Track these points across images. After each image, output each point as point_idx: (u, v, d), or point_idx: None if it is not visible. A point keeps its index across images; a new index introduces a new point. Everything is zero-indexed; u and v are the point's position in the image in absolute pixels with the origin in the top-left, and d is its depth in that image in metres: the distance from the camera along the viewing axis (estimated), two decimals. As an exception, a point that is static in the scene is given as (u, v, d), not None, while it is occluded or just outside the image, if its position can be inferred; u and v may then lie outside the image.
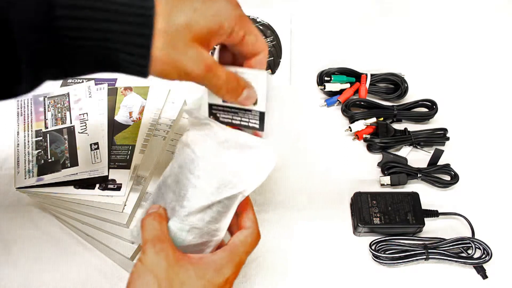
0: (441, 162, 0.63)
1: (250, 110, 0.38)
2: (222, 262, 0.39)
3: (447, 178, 0.62)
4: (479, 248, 0.55)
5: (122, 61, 0.32)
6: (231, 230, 0.44)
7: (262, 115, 0.38)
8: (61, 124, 0.61)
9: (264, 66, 0.38)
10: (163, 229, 0.40)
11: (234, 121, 0.40)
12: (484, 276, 0.55)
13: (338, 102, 0.70)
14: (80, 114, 0.62)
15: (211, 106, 0.40)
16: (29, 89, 0.34)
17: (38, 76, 0.33)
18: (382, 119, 0.67)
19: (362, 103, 0.68)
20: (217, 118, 0.40)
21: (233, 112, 0.39)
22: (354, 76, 0.71)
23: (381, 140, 0.64)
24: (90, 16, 0.30)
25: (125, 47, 0.32)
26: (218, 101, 0.39)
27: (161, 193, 0.43)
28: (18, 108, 0.63)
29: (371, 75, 0.70)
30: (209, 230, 0.41)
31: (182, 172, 0.40)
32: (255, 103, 0.38)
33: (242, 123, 0.40)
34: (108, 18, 0.30)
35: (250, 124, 0.39)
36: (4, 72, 0.31)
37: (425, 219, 0.57)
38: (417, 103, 0.68)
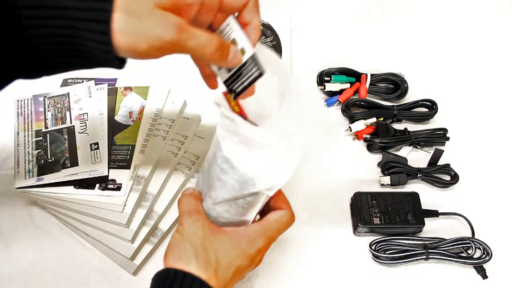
0: (441, 162, 0.63)
1: (244, 64, 0.36)
2: (256, 234, 0.41)
3: (447, 178, 0.62)
4: (479, 248, 0.55)
5: (84, 41, 0.31)
6: (263, 212, 0.45)
7: (255, 58, 0.36)
8: (61, 124, 0.61)
9: (259, 13, 0.36)
10: (198, 204, 0.43)
11: (244, 84, 0.38)
12: (484, 276, 0.55)
13: (338, 102, 0.70)
14: (80, 114, 0.62)
15: (225, 83, 0.39)
16: None
17: (4, 69, 0.32)
18: (382, 119, 0.67)
19: (362, 103, 0.68)
20: (234, 92, 0.39)
21: (238, 75, 0.37)
22: (354, 76, 0.71)
23: (381, 140, 0.64)
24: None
25: (86, 24, 0.30)
26: (225, 74, 0.38)
27: (201, 177, 0.44)
28: (18, 108, 0.63)
29: (371, 75, 0.70)
30: (235, 219, 0.42)
31: (212, 161, 0.41)
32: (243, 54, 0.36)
33: (251, 80, 0.37)
34: None
35: (254, 76, 0.37)
36: None
37: (425, 219, 0.57)
38: (417, 103, 0.68)
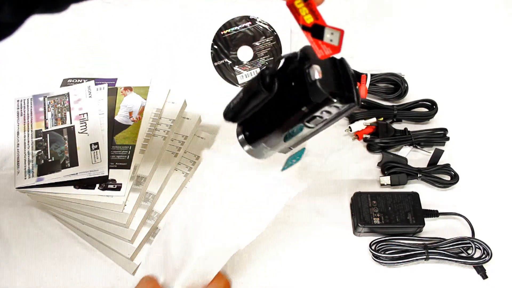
0: (441, 162, 0.63)
1: None
2: None
3: (447, 178, 0.62)
4: (479, 248, 0.55)
5: None
6: None
7: None
8: (61, 124, 0.61)
9: None
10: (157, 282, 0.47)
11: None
12: (484, 276, 0.55)
13: (338, 102, 0.70)
14: (80, 114, 0.62)
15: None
16: (11, 18, 0.29)
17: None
18: (382, 119, 0.67)
19: (362, 103, 0.68)
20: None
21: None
22: (354, 76, 0.71)
23: (381, 140, 0.64)
24: None
25: None
26: None
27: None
28: (18, 108, 0.63)
29: (371, 75, 0.70)
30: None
31: (186, 234, 0.44)
32: None
33: None
34: None
35: None
36: None
37: (425, 219, 0.57)
38: (417, 103, 0.68)
